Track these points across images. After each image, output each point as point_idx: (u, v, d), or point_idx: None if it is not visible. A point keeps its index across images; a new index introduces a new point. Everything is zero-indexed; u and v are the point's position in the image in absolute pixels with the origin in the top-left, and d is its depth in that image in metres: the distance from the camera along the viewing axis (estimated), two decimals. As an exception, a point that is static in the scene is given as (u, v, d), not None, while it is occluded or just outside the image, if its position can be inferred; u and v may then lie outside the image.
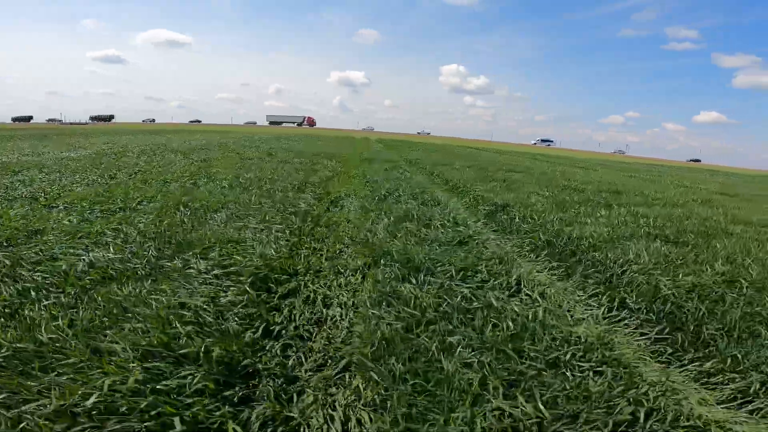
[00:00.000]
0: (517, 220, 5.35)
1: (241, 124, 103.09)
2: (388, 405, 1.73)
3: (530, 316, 2.50)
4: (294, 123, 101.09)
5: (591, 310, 2.82)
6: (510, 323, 2.38)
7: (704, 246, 4.47)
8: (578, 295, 3.08)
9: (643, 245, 4.24)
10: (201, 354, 1.90)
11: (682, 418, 1.75)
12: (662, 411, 1.76)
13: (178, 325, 2.11)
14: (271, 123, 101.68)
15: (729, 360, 2.21)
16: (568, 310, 2.74)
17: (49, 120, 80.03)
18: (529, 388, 1.84)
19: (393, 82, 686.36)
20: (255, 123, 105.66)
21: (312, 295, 2.80)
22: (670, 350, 2.35)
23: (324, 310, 2.60)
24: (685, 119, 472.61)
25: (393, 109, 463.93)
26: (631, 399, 1.81)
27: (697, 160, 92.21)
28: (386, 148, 23.81)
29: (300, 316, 2.50)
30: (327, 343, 2.26)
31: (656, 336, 2.48)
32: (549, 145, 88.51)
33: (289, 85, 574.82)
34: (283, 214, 4.82)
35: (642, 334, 2.52)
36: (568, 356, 2.12)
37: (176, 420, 1.53)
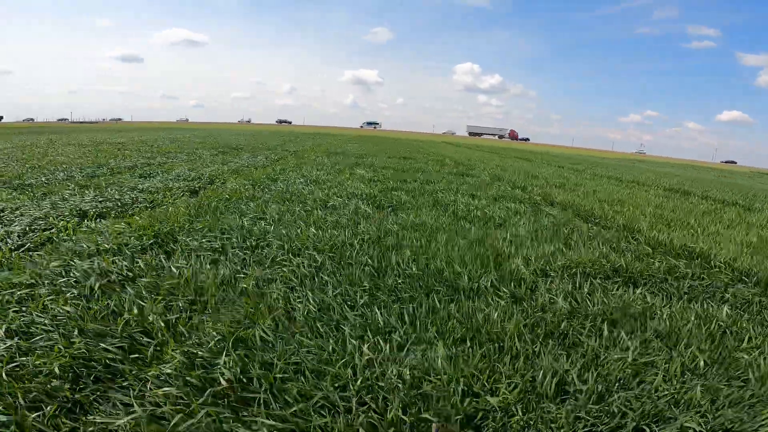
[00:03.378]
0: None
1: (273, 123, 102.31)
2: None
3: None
4: (495, 135, 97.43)
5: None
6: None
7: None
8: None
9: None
10: None
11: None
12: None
13: None
14: (471, 134, 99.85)
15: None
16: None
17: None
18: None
19: (406, 81, 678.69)
20: (290, 122, 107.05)
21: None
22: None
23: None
24: (706, 118, 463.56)
25: (403, 107, 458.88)
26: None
27: (526, 139, 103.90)
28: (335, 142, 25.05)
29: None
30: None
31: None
32: (375, 127, 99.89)
33: (300, 84, 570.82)
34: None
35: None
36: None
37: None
